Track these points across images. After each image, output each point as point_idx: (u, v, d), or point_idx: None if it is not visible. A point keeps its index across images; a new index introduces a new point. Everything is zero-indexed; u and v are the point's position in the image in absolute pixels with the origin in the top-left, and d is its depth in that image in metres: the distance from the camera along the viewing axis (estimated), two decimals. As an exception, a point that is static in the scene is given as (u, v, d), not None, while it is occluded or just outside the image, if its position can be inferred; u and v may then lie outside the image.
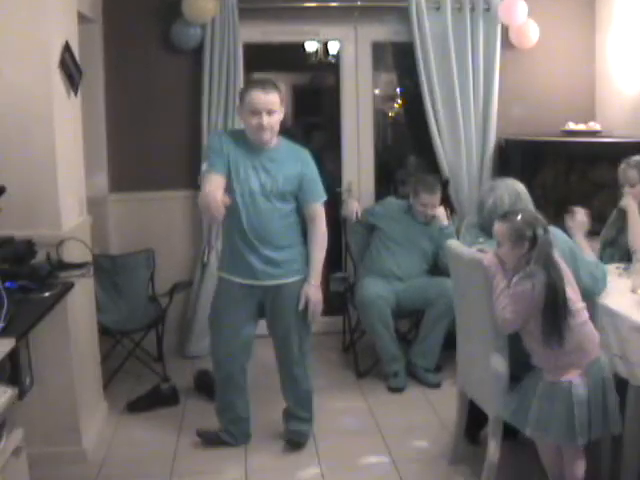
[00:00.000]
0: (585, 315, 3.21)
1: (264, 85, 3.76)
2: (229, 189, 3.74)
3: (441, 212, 5.20)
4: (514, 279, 3.17)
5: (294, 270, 3.93)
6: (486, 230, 3.58)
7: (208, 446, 4.13)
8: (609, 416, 3.17)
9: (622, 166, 4.18)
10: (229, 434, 4.15)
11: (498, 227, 3.23)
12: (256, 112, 3.71)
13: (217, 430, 4.17)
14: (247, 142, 3.82)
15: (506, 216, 3.23)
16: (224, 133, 4.07)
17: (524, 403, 3.26)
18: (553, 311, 3.08)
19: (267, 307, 3.99)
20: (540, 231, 3.14)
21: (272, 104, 3.73)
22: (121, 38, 5.47)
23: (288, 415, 4.21)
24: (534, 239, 3.12)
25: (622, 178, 4.19)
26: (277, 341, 4.07)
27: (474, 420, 3.90)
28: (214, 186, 3.61)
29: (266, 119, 3.71)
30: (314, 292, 3.92)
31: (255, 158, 3.81)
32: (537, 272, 3.09)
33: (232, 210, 3.70)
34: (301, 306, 3.90)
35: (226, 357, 4.02)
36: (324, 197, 3.99)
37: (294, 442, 4.15)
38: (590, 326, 3.21)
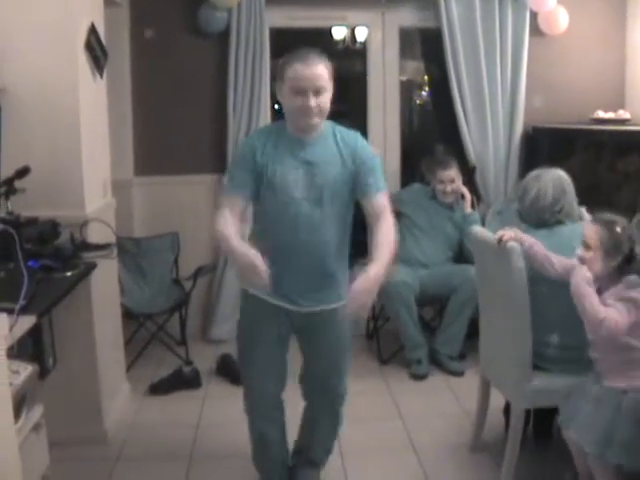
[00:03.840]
0: None
1: (308, 57, 3.00)
2: (267, 198, 3.13)
3: (467, 197, 5.20)
4: (620, 290, 3.00)
5: (337, 294, 3.19)
6: (526, 219, 3.55)
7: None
8: None
9: None
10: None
11: (594, 231, 3.05)
12: (300, 91, 2.98)
13: None
14: (287, 137, 3.13)
15: (606, 222, 3.05)
16: (257, 135, 3.26)
17: (576, 403, 3.17)
18: None
19: (301, 337, 3.37)
20: (639, 248, 3.01)
21: (320, 79, 2.99)
22: (148, 22, 5.47)
23: (302, 459, 3.61)
24: (630, 256, 3.00)
25: None
26: (313, 379, 3.42)
27: (544, 415, 3.89)
28: (233, 226, 3.01)
29: (313, 100, 2.98)
30: (369, 287, 2.89)
31: (297, 155, 3.10)
32: None
33: (273, 223, 3.14)
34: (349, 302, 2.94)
35: (262, 391, 3.36)
36: (384, 188, 3.23)
37: None
38: None
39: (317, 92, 2.99)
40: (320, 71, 2.99)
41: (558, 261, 3.28)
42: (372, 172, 3.16)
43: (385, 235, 3.12)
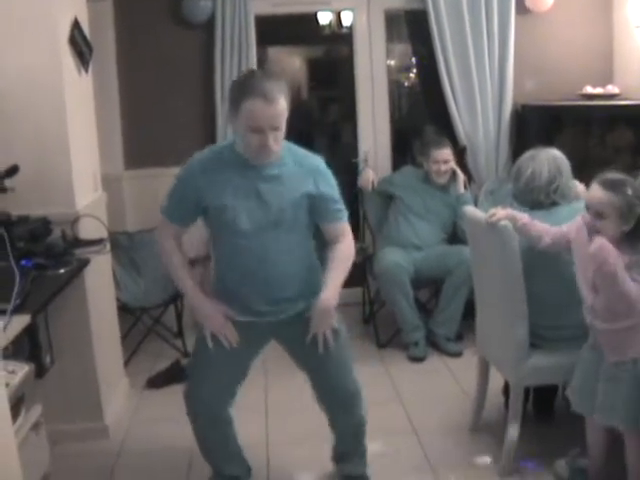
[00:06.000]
0: None
1: (267, 92, 2.72)
2: (216, 229, 3.04)
3: (460, 177, 5.20)
4: (636, 257, 2.91)
5: (314, 293, 3.04)
6: (521, 201, 3.53)
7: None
8: None
9: None
10: (227, 478, 3.39)
11: (604, 197, 2.91)
12: (258, 130, 2.76)
13: (210, 477, 3.44)
14: (239, 160, 2.91)
15: (615, 185, 2.92)
16: (201, 163, 2.99)
17: (588, 388, 3.13)
18: None
19: (287, 341, 3.23)
20: None
21: (279, 117, 2.78)
22: (132, 14, 5.44)
23: (341, 455, 3.47)
24: None
25: None
26: (316, 374, 3.26)
27: (544, 392, 3.91)
28: (173, 242, 3.09)
29: (272, 137, 2.78)
30: (325, 312, 3.01)
31: (252, 181, 2.90)
32: None
33: (226, 253, 3.05)
34: (309, 337, 3.05)
35: (211, 403, 3.20)
36: (346, 213, 3.12)
37: None
38: None
39: (275, 129, 2.79)
40: (280, 108, 2.77)
41: (547, 233, 3.28)
42: (333, 199, 3.05)
43: (341, 255, 3.09)
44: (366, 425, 3.39)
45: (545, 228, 3.31)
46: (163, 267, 3.22)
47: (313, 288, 3.05)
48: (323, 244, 3.15)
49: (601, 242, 2.88)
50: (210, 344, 3.05)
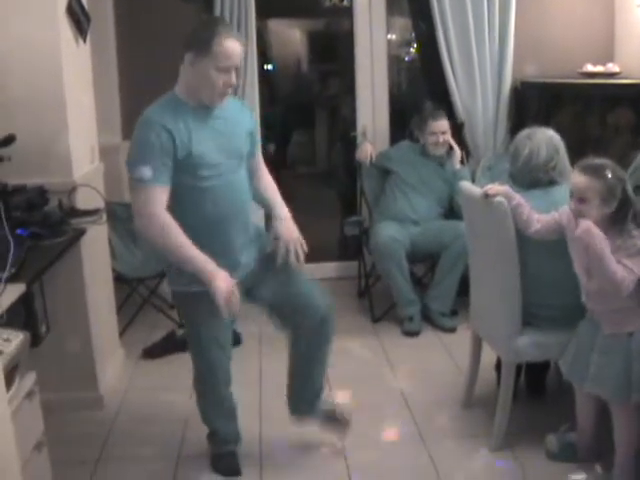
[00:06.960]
0: None
1: (233, 32, 2.97)
2: (187, 179, 2.99)
3: (457, 152, 5.21)
4: (627, 242, 2.95)
5: (260, 232, 3.38)
6: (517, 180, 3.50)
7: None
8: None
9: None
10: (226, 442, 3.51)
11: (585, 181, 2.97)
12: (227, 69, 2.91)
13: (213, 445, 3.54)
14: (191, 110, 3.00)
15: (596, 170, 2.98)
16: (166, 117, 2.97)
17: (582, 358, 3.17)
18: None
19: (259, 291, 3.30)
20: (630, 189, 2.98)
21: (241, 57, 2.99)
22: (131, -16, 5.41)
23: (299, 401, 3.63)
24: (624, 198, 2.95)
25: None
26: (288, 297, 3.33)
27: (536, 369, 3.93)
28: (162, 210, 2.94)
29: (234, 77, 2.97)
30: (290, 227, 3.23)
31: (209, 122, 3.03)
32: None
33: (197, 202, 3.03)
34: (281, 257, 3.17)
35: (218, 359, 3.31)
36: None
37: (339, 417, 3.61)
38: None
39: (237, 69, 3.00)
40: (242, 47, 2.98)
41: (538, 219, 3.29)
42: (257, 133, 3.44)
43: (270, 181, 3.41)
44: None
45: (536, 215, 3.31)
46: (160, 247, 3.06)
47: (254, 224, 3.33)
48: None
49: (587, 224, 2.95)
50: (225, 315, 2.98)
